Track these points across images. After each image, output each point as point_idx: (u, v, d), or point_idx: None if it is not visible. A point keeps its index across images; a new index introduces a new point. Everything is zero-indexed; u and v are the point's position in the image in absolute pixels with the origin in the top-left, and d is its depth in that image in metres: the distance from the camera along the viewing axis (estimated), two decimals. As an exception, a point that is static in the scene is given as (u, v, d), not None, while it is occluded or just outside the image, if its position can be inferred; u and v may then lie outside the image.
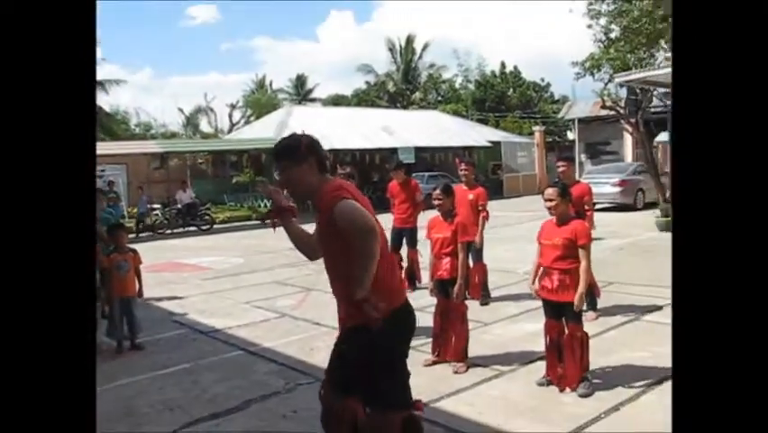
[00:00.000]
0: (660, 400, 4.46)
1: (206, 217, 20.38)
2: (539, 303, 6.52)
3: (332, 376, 3.12)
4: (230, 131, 46.36)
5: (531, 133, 36.13)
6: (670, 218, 12.11)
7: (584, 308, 5.98)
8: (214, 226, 20.30)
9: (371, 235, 2.80)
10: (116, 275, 6.56)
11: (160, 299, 8.73)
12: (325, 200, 2.93)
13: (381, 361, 3.04)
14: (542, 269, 4.74)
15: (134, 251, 6.74)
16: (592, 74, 20.36)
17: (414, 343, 6.00)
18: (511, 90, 45.20)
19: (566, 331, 4.63)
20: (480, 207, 7.57)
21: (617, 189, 19.57)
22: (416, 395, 4.64)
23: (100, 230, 7.03)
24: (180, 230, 19.54)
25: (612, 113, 19.63)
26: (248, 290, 9.27)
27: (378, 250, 2.83)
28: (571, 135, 37.94)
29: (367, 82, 50.06)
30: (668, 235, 6.24)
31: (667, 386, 4.73)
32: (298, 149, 3.04)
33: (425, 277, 8.57)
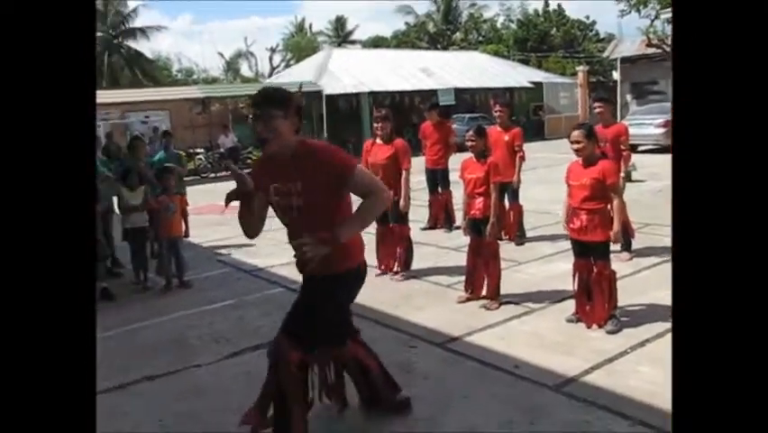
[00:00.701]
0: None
1: (248, 161, 20.68)
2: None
3: (294, 324, 3.24)
4: (270, 75, 46.40)
5: (574, 74, 35.36)
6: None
7: (618, 248, 6.09)
8: (257, 170, 20.57)
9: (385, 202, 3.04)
10: (164, 216, 6.84)
11: (205, 240, 9.06)
12: (335, 158, 3.00)
13: (341, 307, 3.33)
14: (571, 209, 4.84)
15: (182, 193, 7.01)
16: (638, 10, 19.84)
17: (448, 281, 6.31)
18: (554, 29, 44.11)
19: (594, 270, 4.75)
20: (517, 148, 7.62)
21: (661, 131, 19.08)
22: (449, 330, 4.94)
23: (149, 174, 7.33)
24: (223, 174, 19.89)
25: (659, 51, 19.14)
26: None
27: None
28: (616, 75, 37.05)
29: (407, 23, 49.35)
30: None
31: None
32: (290, 102, 2.97)
33: (461, 217, 8.74)
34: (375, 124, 6.52)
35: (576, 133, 4.63)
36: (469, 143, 5.38)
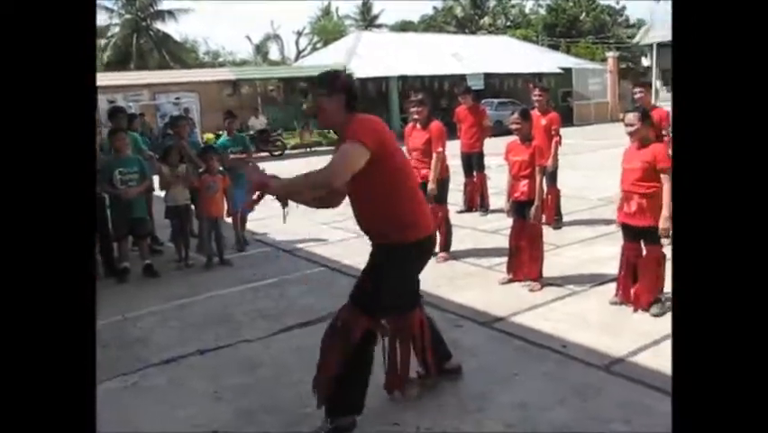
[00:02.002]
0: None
1: (278, 143, 20.86)
2: (611, 228, 6.65)
3: (360, 292, 3.38)
4: (296, 58, 46.49)
5: (604, 60, 35.02)
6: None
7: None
8: (286, 152, 20.77)
9: (336, 175, 3.01)
10: (205, 195, 6.95)
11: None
12: (348, 131, 3.14)
13: (409, 276, 3.44)
14: (623, 193, 4.82)
15: (223, 173, 7.10)
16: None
17: (488, 262, 6.37)
18: (584, 14, 43.66)
19: (644, 253, 4.76)
20: (553, 132, 7.63)
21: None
22: (492, 311, 4.99)
23: (191, 153, 7.43)
24: (253, 156, 20.03)
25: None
26: (324, 212, 9.48)
27: (343, 171, 3.02)
28: (645, 61, 36.67)
29: (434, 7, 49.25)
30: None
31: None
32: (334, 82, 3.22)
33: (495, 200, 8.76)
34: (412, 109, 6.58)
35: (630, 116, 4.63)
36: (514, 126, 5.40)
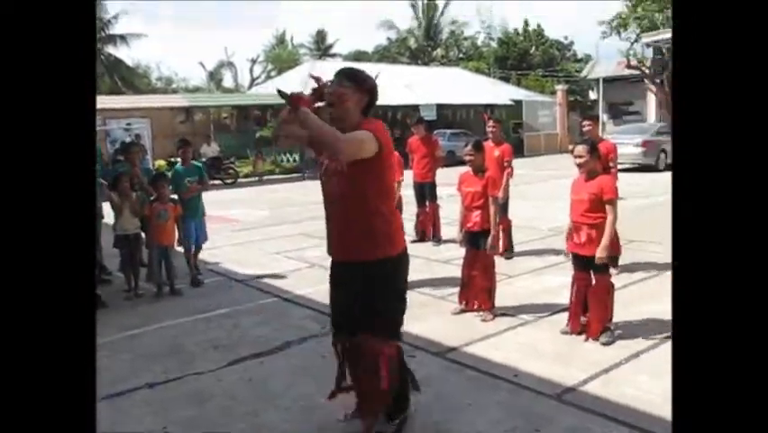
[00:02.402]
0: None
1: (231, 171, 20.70)
2: (562, 258, 6.76)
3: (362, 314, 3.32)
4: (250, 86, 46.40)
5: (553, 92, 35.92)
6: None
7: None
8: (238, 180, 20.64)
9: (349, 145, 2.98)
10: (156, 223, 6.84)
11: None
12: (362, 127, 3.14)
13: (396, 293, 3.38)
14: (572, 224, 4.93)
15: (175, 201, 7.01)
16: (618, 33, 20.28)
17: (441, 292, 6.40)
18: (534, 48, 44.77)
19: (593, 282, 4.86)
20: (506, 164, 7.76)
21: (640, 150, 19.55)
22: (445, 341, 5.01)
23: (143, 180, 7.31)
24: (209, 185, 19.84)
25: (637, 72, 19.58)
26: (277, 242, 9.57)
27: (354, 151, 3.02)
28: (592, 95, 37.71)
29: (388, 38, 49.81)
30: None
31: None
32: (364, 81, 3.24)
33: (447, 231, 8.85)
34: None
35: (580, 148, 4.77)
36: (467, 158, 5.49)
